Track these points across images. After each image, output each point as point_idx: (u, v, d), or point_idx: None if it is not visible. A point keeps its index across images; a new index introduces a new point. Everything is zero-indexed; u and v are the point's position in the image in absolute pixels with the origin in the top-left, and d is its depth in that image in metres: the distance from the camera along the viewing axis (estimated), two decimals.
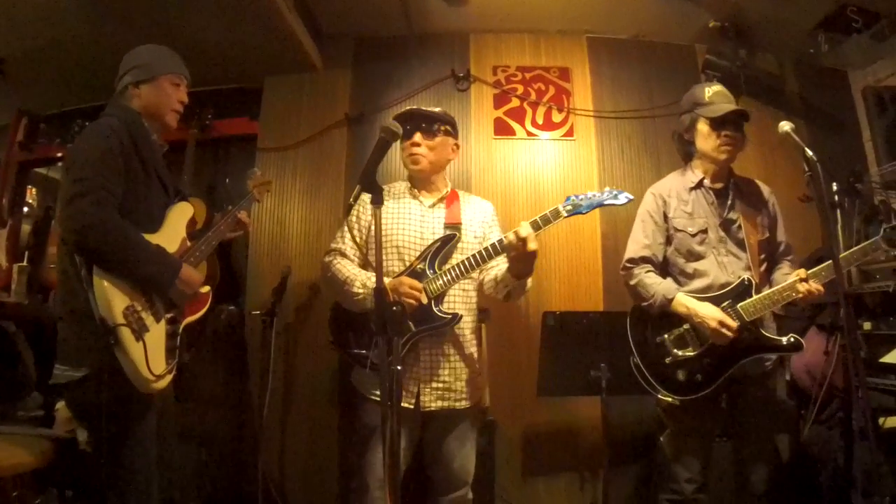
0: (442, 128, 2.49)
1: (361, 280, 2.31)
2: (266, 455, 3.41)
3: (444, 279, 2.29)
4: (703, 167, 2.54)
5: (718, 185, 2.53)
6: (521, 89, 4.00)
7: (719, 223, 2.48)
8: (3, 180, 4.44)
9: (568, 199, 2.28)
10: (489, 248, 2.28)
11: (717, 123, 2.44)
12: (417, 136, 2.45)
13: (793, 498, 2.99)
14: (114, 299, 1.86)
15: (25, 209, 4.68)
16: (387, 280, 2.23)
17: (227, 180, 4.13)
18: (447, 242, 2.40)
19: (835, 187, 3.28)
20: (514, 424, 3.57)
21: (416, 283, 2.27)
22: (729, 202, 2.50)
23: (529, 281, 2.38)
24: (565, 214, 2.25)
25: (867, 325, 3.11)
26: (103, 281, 1.85)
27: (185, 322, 2.24)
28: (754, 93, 3.82)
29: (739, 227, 2.47)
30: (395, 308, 1.68)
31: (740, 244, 2.46)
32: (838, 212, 3.26)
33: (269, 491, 3.36)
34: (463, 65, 4.04)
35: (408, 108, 2.53)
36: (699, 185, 2.53)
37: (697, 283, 2.46)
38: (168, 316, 2.09)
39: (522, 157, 3.92)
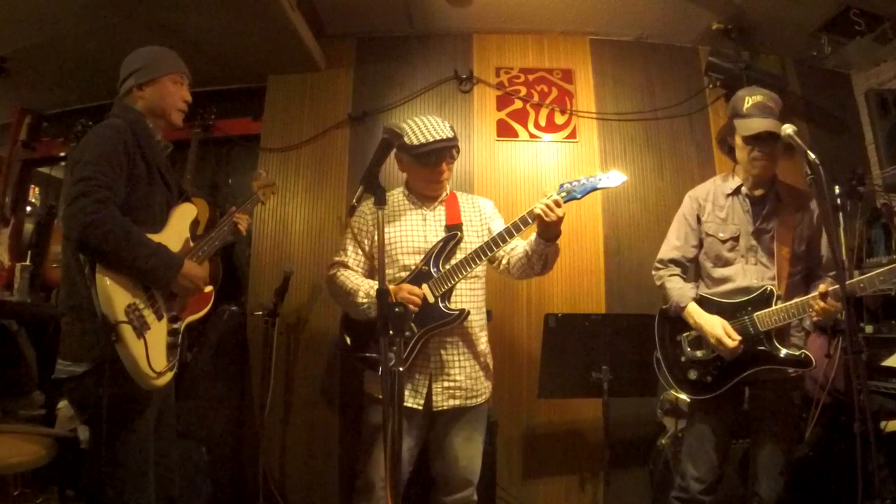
0: (457, 149, 2.53)
1: (365, 290, 2.35)
2: (267, 455, 3.42)
3: (450, 276, 2.33)
4: (743, 174, 2.54)
5: (758, 193, 2.50)
6: (523, 91, 4.00)
7: (752, 231, 2.47)
8: (5, 179, 4.45)
9: (561, 186, 2.29)
10: (490, 242, 2.33)
11: (750, 139, 2.41)
12: (444, 166, 2.48)
13: (793, 501, 2.99)
14: (116, 297, 1.87)
15: (28, 208, 4.69)
16: (389, 287, 2.26)
17: (230, 180, 4.14)
18: (449, 242, 2.44)
19: (837, 190, 3.28)
20: (514, 425, 3.57)
21: (414, 288, 2.32)
22: (765, 211, 2.48)
23: (558, 246, 2.40)
24: (561, 202, 2.25)
25: (869, 328, 3.11)
26: (106, 279, 1.86)
27: (187, 321, 2.25)
28: None
29: (772, 237, 2.45)
30: (397, 309, 1.68)
31: (770, 254, 2.44)
32: (840, 214, 3.26)
33: (269, 491, 3.36)
34: (466, 66, 4.04)
35: (434, 140, 2.41)
36: (737, 191, 2.53)
37: (723, 288, 2.47)
38: (170, 314, 2.09)
39: (525, 159, 3.93)
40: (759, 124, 2.38)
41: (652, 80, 4.06)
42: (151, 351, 1.93)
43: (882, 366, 2.98)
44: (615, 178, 2.28)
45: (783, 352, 2.33)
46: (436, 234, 2.48)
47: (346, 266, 2.51)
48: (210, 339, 3.45)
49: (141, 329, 1.93)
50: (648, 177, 3.87)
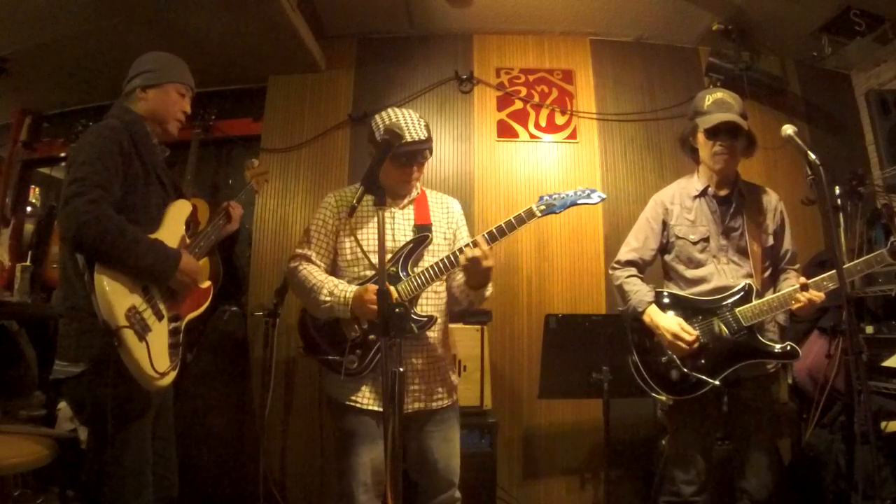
0: (430, 150, 2.41)
1: (329, 288, 2.26)
2: (267, 455, 3.42)
3: (416, 282, 2.26)
4: (707, 174, 2.54)
5: (723, 192, 2.51)
6: (524, 91, 4.00)
7: (721, 231, 2.48)
8: (6, 179, 4.45)
9: (541, 198, 2.27)
10: (451, 256, 2.25)
11: (711, 133, 2.43)
12: (414, 167, 2.36)
13: (794, 501, 2.99)
14: (115, 302, 1.86)
15: (28, 208, 4.69)
16: (354, 287, 2.21)
17: (230, 181, 4.14)
18: (419, 244, 2.37)
19: (837, 190, 3.28)
20: (515, 425, 3.57)
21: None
22: (732, 209, 2.49)
23: (489, 287, 2.35)
24: (539, 214, 2.24)
25: (869, 329, 3.11)
26: (104, 282, 1.86)
27: (188, 318, 2.24)
28: (757, 95, 3.82)
29: (742, 234, 2.46)
30: (398, 310, 1.68)
31: (742, 252, 2.45)
32: (840, 215, 3.26)
33: (270, 491, 3.36)
34: (466, 66, 4.05)
35: (406, 142, 2.24)
36: (703, 192, 2.53)
37: (700, 288, 2.46)
38: (170, 314, 2.09)
39: (525, 160, 3.93)
40: (719, 116, 2.40)
41: (652, 81, 4.07)
42: (153, 352, 1.93)
43: (882, 366, 2.98)
44: (595, 197, 2.28)
45: (770, 345, 2.34)
46: (404, 233, 2.39)
47: (308, 260, 2.40)
48: (210, 340, 3.45)
49: (143, 332, 1.92)
50: (649, 177, 3.87)
